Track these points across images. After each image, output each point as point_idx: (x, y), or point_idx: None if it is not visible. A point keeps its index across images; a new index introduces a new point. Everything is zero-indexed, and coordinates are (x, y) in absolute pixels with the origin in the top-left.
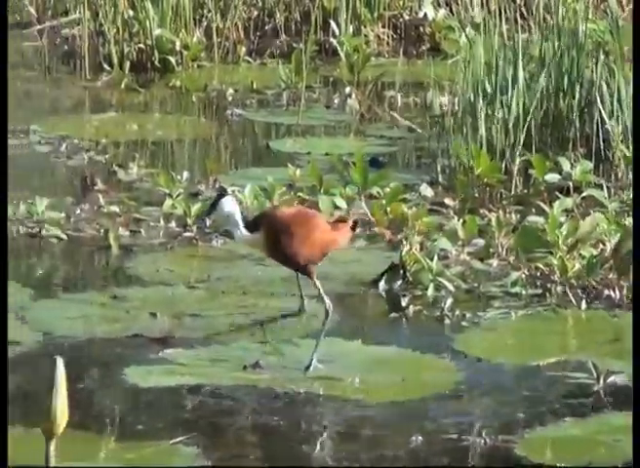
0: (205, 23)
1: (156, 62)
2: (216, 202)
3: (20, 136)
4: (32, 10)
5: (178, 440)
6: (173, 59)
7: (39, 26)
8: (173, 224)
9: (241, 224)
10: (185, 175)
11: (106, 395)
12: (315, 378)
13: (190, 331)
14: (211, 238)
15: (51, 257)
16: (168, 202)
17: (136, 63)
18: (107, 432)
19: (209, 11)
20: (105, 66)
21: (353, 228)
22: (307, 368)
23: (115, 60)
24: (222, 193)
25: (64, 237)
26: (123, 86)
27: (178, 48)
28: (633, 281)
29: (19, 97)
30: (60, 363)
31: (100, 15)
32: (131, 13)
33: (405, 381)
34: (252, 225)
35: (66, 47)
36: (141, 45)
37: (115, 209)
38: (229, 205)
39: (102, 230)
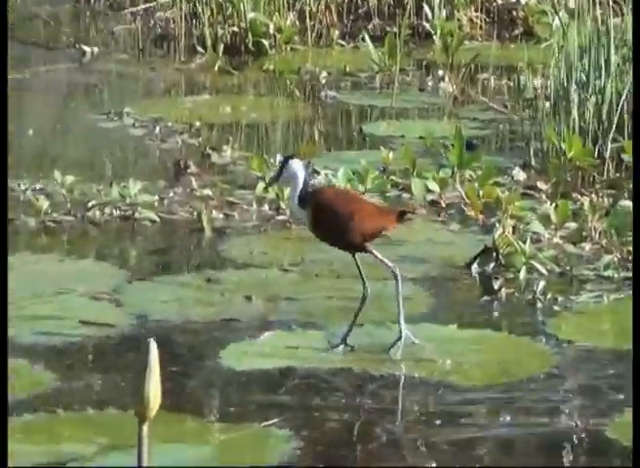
0: (298, 7)
1: (250, 45)
2: (283, 164)
3: (113, 118)
4: None
5: (270, 422)
6: (266, 42)
7: (133, 9)
8: (266, 207)
9: (297, 195)
10: (279, 157)
11: (200, 377)
12: (410, 361)
13: (284, 315)
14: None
15: (144, 240)
16: (261, 185)
17: (229, 46)
18: (201, 414)
19: None
20: (199, 49)
21: (400, 216)
22: (399, 339)
23: (209, 43)
24: (291, 156)
25: (157, 220)
26: (216, 68)
27: (271, 31)
28: (633, 281)
29: (112, 81)
30: (153, 346)
31: None
32: None
33: (500, 364)
34: (303, 200)
35: (160, 30)
36: (235, 28)
37: (208, 192)
38: (296, 167)
39: (195, 213)
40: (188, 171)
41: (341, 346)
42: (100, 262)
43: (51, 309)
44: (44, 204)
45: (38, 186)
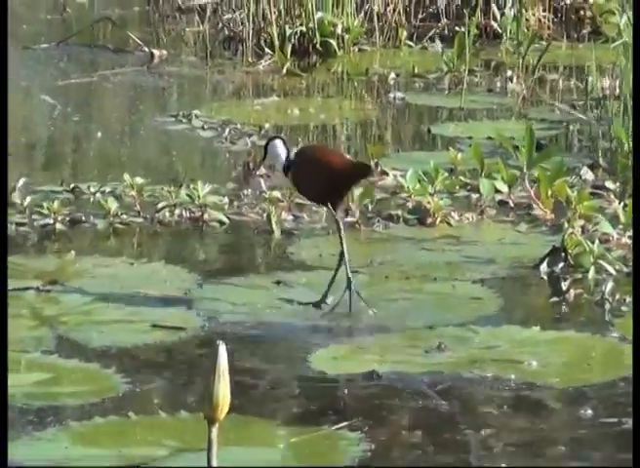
0: (366, 7)
1: (318, 46)
2: (267, 145)
3: (182, 121)
4: None
5: (342, 424)
6: (334, 43)
7: (197, 3)
8: None
9: (282, 167)
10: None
11: (271, 379)
12: (495, 362)
13: (356, 317)
14: (373, 222)
15: (213, 242)
16: None
17: (297, 47)
18: (274, 416)
19: None
20: (267, 50)
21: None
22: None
23: (277, 44)
24: (273, 137)
25: (227, 221)
26: (284, 70)
27: (339, 31)
28: (633, 280)
29: (181, 83)
30: (222, 348)
31: None
32: None
33: (583, 364)
34: (286, 167)
35: (227, 31)
36: (303, 28)
37: (277, 194)
38: (279, 146)
39: (265, 215)
40: (257, 172)
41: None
42: (170, 265)
43: (121, 313)
44: (113, 206)
45: (107, 189)
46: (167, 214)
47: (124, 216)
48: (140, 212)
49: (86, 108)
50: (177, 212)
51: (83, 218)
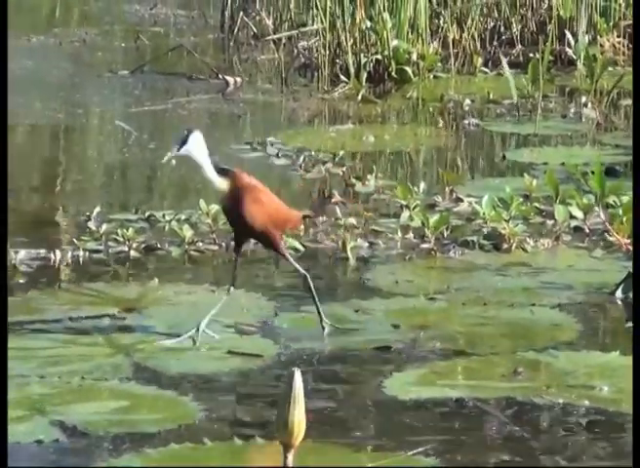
0: (441, 34)
1: (393, 73)
2: (187, 137)
3: (257, 148)
4: (269, 22)
5: (417, 450)
6: (409, 70)
7: (275, 36)
8: (410, 235)
9: (209, 164)
10: (422, 186)
11: (346, 404)
12: (572, 388)
13: (434, 343)
14: (449, 249)
15: (290, 269)
16: (405, 213)
17: (372, 74)
18: (349, 442)
19: (445, 21)
20: (342, 78)
21: (304, 218)
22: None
23: (352, 72)
24: (190, 128)
25: (302, 249)
26: (360, 97)
27: (414, 58)
28: (633, 280)
29: (256, 110)
30: (297, 375)
31: (338, 26)
32: (368, 24)
33: None
34: (220, 172)
35: (303, 59)
36: (378, 56)
37: (353, 221)
38: (198, 141)
39: (340, 242)
40: (332, 200)
41: (326, 329)
42: (250, 293)
43: (199, 340)
44: (188, 233)
45: (182, 216)
46: None
47: (199, 244)
48: (216, 239)
49: (161, 135)
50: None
51: (158, 246)
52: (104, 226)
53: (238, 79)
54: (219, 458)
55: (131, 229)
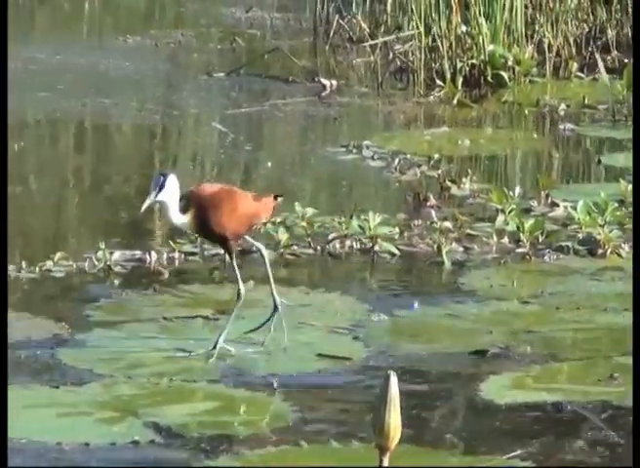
0: (537, 39)
1: (489, 77)
2: (164, 181)
3: (352, 151)
4: (365, 26)
5: (513, 454)
6: (505, 75)
7: (372, 42)
8: (506, 240)
9: (176, 208)
10: (518, 190)
11: (441, 408)
12: None
13: (527, 348)
14: (543, 253)
15: (384, 273)
16: (500, 218)
17: (468, 78)
18: (444, 446)
19: (540, 26)
20: (438, 82)
21: (275, 198)
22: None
23: (448, 76)
24: (165, 173)
25: (397, 252)
26: (455, 101)
27: (510, 63)
28: (633, 280)
29: (351, 113)
30: (393, 378)
31: (434, 30)
32: (464, 28)
33: None
34: (183, 207)
35: (399, 63)
36: (474, 60)
37: (448, 224)
38: (173, 184)
39: (435, 246)
40: (428, 203)
41: (218, 346)
42: (344, 296)
43: (289, 342)
44: (284, 236)
45: (278, 219)
46: (337, 245)
47: (294, 247)
48: (311, 243)
49: (257, 137)
50: (347, 243)
51: (253, 248)
52: None
53: (334, 82)
54: (316, 461)
55: None
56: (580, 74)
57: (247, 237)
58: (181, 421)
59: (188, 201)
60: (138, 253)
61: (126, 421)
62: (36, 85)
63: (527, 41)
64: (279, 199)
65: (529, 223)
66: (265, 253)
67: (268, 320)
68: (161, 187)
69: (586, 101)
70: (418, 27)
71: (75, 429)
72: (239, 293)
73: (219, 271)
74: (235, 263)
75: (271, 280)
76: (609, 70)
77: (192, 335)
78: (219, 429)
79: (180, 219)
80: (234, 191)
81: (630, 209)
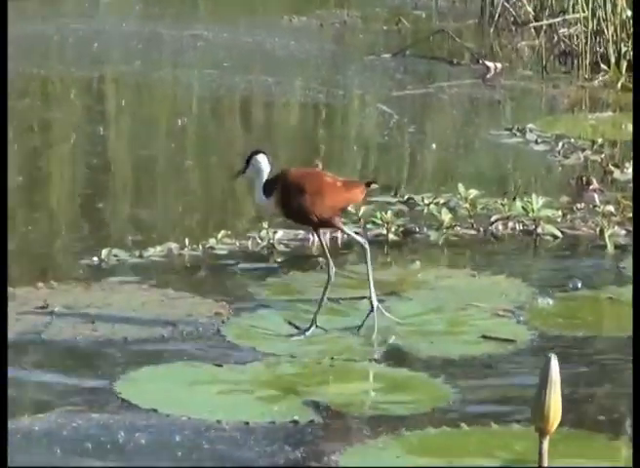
0: None
1: None
2: (250, 158)
3: (516, 134)
4: (530, 9)
5: None
6: None
7: (536, 24)
8: None
9: (261, 187)
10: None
11: (603, 392)
12: None
13: None
14: None
15: (548, 255)
16: None
17: (633, 63)
18: (605, 431)
19: None
20: (602, 66)
21: (367, 185)
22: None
23: (612, 60)
24: (257, 151)
25: (560, 235)
26: (619, 85)
27: None
28: (633, 280)
29: (515, 97)
30: (554, 361)
31: (599, 14)
32: (629, 13)
33: None
34: (268, 189)
35: (563, 46)
36: None
37: (610, 208)
38: (262, 162)
39: (598, 229)
40: (590, 187)
41: (312, 328)
42: (511, 278)
43: (453, 324)
44: (447, 217)
45: (441, 200)
46: (500, 226)
47: (457, 228)
48: (474, 224)
49: (421, 119)
50: (509, 224)
51: (416, 229)
52: (363, 209)
53: (498, 65)
54: (475, 443)
55: (389, 212)
56: None
57: (347, 230)
58: (342, 401)
59: (276, 183)
60: (300, 232)
61: (286, 400)
62: (203, 62)
63: None
64: (372, 186)
65: None
66: (367, 248)
67: (366, 318)
68: (247, 165)
69: None
70: (583, 11)
71: (236, 407)
72: (329, 276)
73: (382, 252)
74: (325, 246)
75: (370, 278)
76: None
77: (357, 316)
78: (379, 409)
79: (262, 199)
80: (321, 176)
81: None
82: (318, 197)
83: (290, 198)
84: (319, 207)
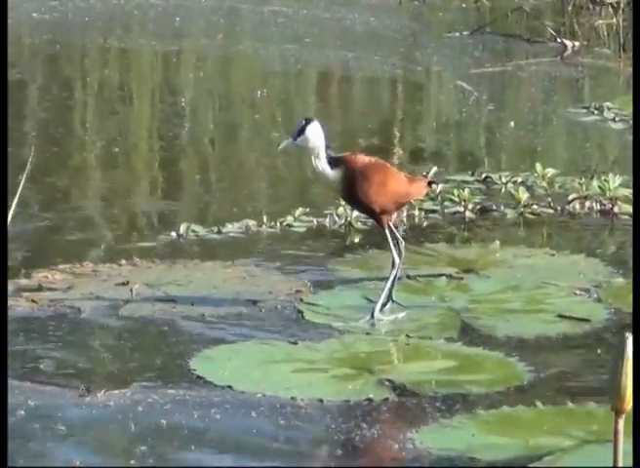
0: None
1: None
2: (304, 127)
3: (594, 112)
4: None
5: None
6: None
7: (614, 2)
8: None
9: (324, 156)
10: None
11: None
12: None
13: None
14: None
15: (624, 235)
16: None
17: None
18: None
19: None
20: None
21: (429, 185)
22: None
23: None
24: (310, 119)
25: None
26: None
27: None
28: (633, 280)
29: (593, 75)
30: (629, 340)
31: None
32: None
33: None
34: (332, 162)
35: None
36: None
37: None
38: (316, 131)
39: None
40: None
41: (388, 304)
42: (589, 258)
43: (530, 302)
44: (524, 196)
45: (519, 179)
46: (577, 205)
47: (534, 207)
48: (551, 203)
49: (500, 97)
50: (587, 203)
51: (493, 207)
52: (440, 186)
53: (576, 43)
54: (551, 421)
55: (467, 190)
56: None
57: (391, 234)
58: (416, 379)
59: (340, 163)
60: None
61: (361, 378)
62: (283, 37)
63: None
64: (433, 186)
65: None
66: (397, 263)
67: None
68: (300, 132)
69: None
70: None
71: (310, 385)
72: (394, 262)
73: (458, 229)
74: (388, 233)
75: (386, 289)
76: None
77: (435, 294)
78: (454, 388)
79: (327, 169)
80: (387, 167)
81: None
82: (383, 187)
83: (355, 183)
84: (383, 198)
